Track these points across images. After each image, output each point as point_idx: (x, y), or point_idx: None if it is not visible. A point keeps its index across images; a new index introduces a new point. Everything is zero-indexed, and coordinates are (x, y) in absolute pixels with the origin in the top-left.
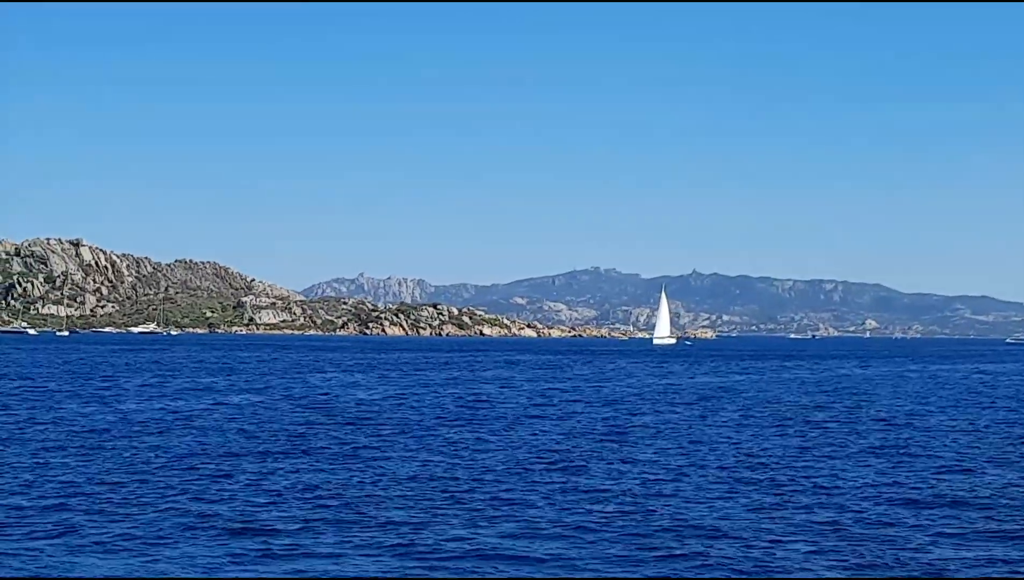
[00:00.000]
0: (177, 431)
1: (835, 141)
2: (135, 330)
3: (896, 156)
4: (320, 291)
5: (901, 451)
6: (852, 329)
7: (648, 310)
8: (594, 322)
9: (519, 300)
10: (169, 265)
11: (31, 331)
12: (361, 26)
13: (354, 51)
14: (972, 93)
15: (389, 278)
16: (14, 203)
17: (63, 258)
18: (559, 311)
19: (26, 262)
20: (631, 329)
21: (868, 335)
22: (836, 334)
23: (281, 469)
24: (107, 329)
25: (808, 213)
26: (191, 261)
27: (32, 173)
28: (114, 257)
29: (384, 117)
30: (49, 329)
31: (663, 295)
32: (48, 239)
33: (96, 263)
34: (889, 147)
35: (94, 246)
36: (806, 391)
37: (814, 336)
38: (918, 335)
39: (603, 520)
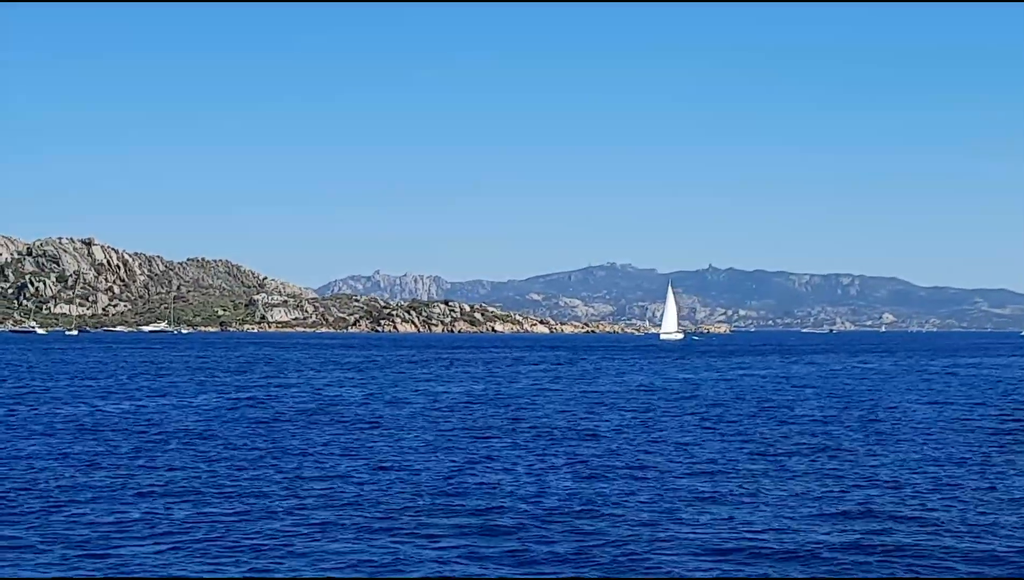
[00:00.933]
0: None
1: (853, 135)
2: (146, 329)
3: (914, 150)
4: (336, 288)
5: (768, 456)
6: (869, 323)
7: (664, 306)
8: (610, 318)
9: (535, 296)
10: (181, 263)
11: (40, 330)
12: (376, 21)
13: (372, 47)
14: (991, 88)
15: (405, 275)
16: (26, 203)
17: (75, 257)
18: (575, 307)
19: (38, 262)
20: (646, 324)
21: (884, 329)
22: (853, 328)
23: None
24: (118, 328)
25: (825, 207)
26: (203, 259)
27: (44, 173)
28: (126, 256)
29: (399, 114)
30: (59, 328)
31: (670, 290)
32: (60, 238)
33: (108, 262)
34: (907, 141)
35: (106, 245)
36: (753, 388)
37: (832, 330)
38: (935, 329)
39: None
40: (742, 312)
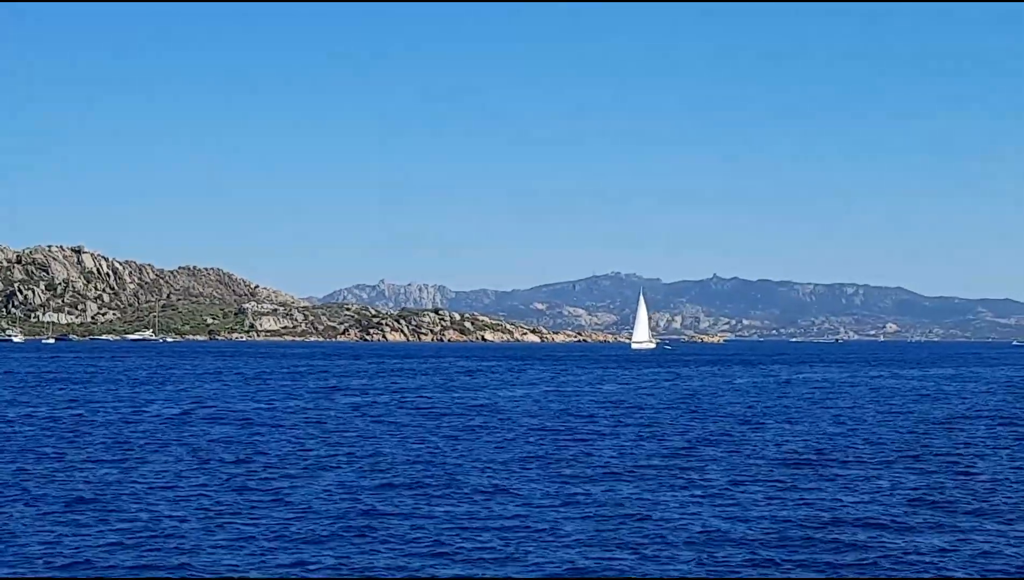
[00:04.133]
0: None
1: (857, 144)
2: (130, 337)
3: (919, 159)
4: (341, 297)
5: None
6: (873, 333)
7: (668, 315)
8: (613, 327)
9: (539, 305)
10: (172, 272)
11: (16, 339)
12: (375, 25)
13: (374, 52)
14: (999, 96)
15: (410, 284)
16: (16, 210)
17: (65, 265)
18: (578, 316)
19: (27, 270)
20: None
21: (882, 339)
22: (857, 338)
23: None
24: (105, 336)
25: (829, 217)
26: (194, 268)
27: (34, 180)
28: (116, 264)
29: (403, 121)
30: (37, 337)
31: (641, 299)
32: (50, 246)
33: (98, 270)
34: (912, 150)
35: (96, 253)
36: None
37: (838, 340)
38: (938, 339)
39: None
40: (746, 322)
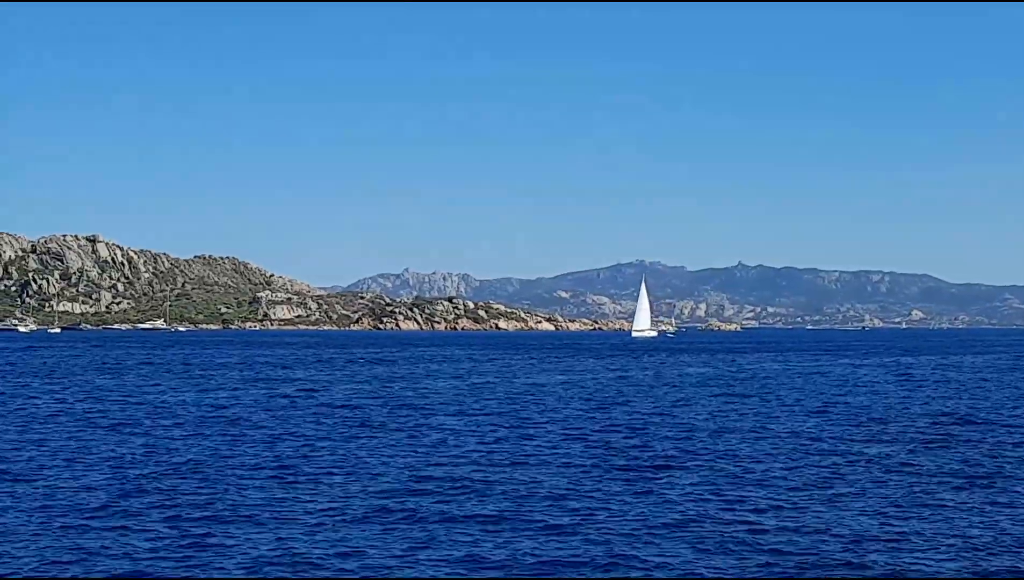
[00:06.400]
0: None
1: (883, 130)
2: (140, 327)
3: (945, 144)
4: (366, 286)
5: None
6: (898, 320)
7: (692, 303)
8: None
9: (563, 294)
10: (187, 261)
11: (22, 329)
12: (396, 9)
13: (395, 37)
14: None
15: (434, 273)
16: (32, 200)
17: (79, 255)
18: (603, 304)
19: (42, 259)
20: (673, 322)
21: (904, 326)
22: (882, 325)
23: None
24: (117, 326)
25: (854, 203)
26: (209, 257)
27: (49, 169)
28: (131, 253)
29: (427, 111)
30: (43, 327)
31: (643, 287)
32: (65, 236)
33: (112, 259)
34: (937, 135)
35: (111, 242)
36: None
37: (863, 328)
38: (963, 326)
39: None
40: (771, 309)
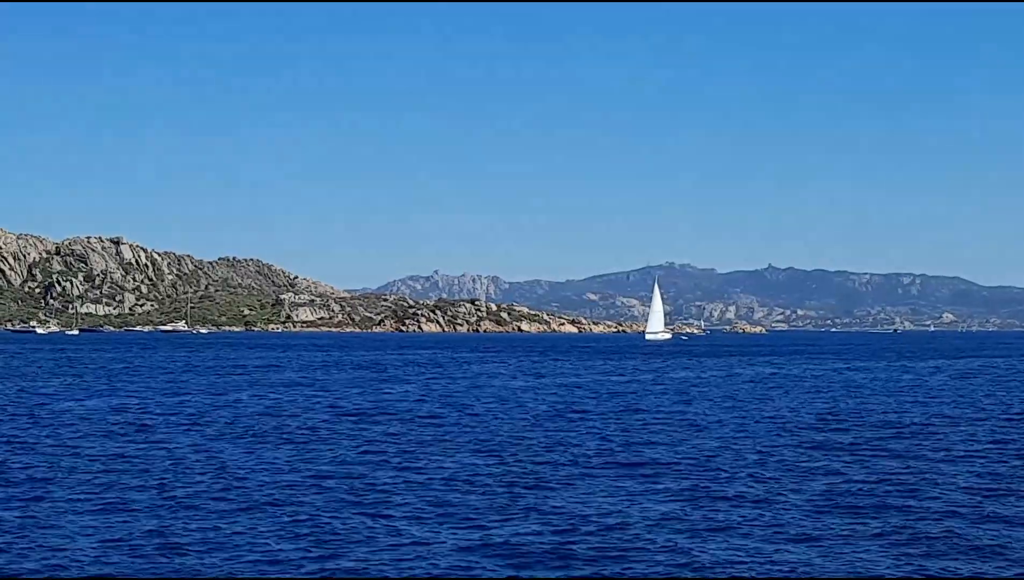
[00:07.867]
0: None
1: (914, 134)
2: (162, 329)
3: (977, 146)
4: (395, 288)
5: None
6: (928, 323)
7: (722, 305)
8: (667, 317)
9: (592, 296)
10: (211, 263)
11: (40, 330)
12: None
13: (420, 37)
14: None
15: (463, 275)
16: (55, 202)
17: (103, 257)
18: (632, 307)
19: (66, 261)
20: (701, 324)
21: (932, 329)
22: (912, 328)
23: None
24: (139, 327)
25: (886, 206)
26: (233, 258)
27: (73, 171)
28: (155, 255)
29: (455, 115)
30: (65, 329)
31: (656, 289)
32: (88, 238)
33: (136, 261)
34: (969, 138)
35: (135, 244)
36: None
37: (896, 330)
38: (994, 329)
39: None
40: (801, 312)
